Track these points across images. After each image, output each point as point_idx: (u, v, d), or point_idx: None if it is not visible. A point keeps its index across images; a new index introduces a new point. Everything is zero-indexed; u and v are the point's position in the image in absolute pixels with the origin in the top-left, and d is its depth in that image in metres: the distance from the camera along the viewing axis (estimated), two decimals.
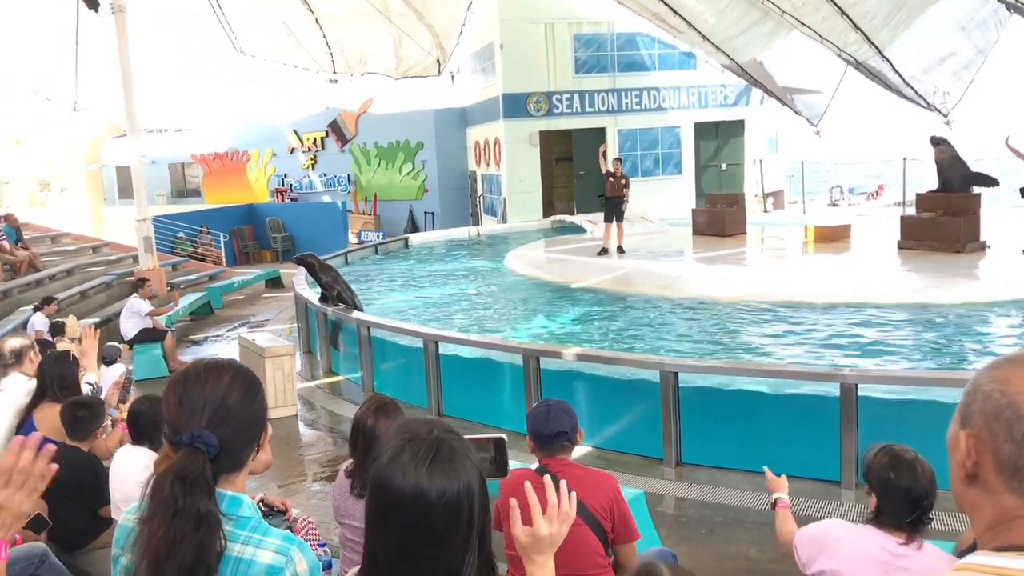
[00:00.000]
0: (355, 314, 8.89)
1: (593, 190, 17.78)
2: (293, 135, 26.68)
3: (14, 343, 5.36)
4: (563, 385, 6.66)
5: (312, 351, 10.37)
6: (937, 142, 13.54)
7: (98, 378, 5.47)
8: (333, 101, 24.35)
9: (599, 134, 20.83)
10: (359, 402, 6.52)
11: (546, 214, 21.21)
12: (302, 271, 10.59)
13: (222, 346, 11.70)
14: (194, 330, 13.08)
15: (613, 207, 14.79)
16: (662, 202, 20.50)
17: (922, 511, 2.53)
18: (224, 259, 20.96)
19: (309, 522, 3.59)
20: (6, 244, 14.18)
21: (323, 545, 3.54)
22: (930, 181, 14.47)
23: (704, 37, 16.11)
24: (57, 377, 4.66)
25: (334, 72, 18.82)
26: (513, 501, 1.52)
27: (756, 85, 19.00)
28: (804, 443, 5.59)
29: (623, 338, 9.19)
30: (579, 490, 1.64)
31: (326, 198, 25.85)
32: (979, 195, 13.30)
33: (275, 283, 17.26)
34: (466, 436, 1.47)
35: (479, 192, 23.76)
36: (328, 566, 3.34)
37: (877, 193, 26.57)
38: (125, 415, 4.30)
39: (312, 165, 26.60)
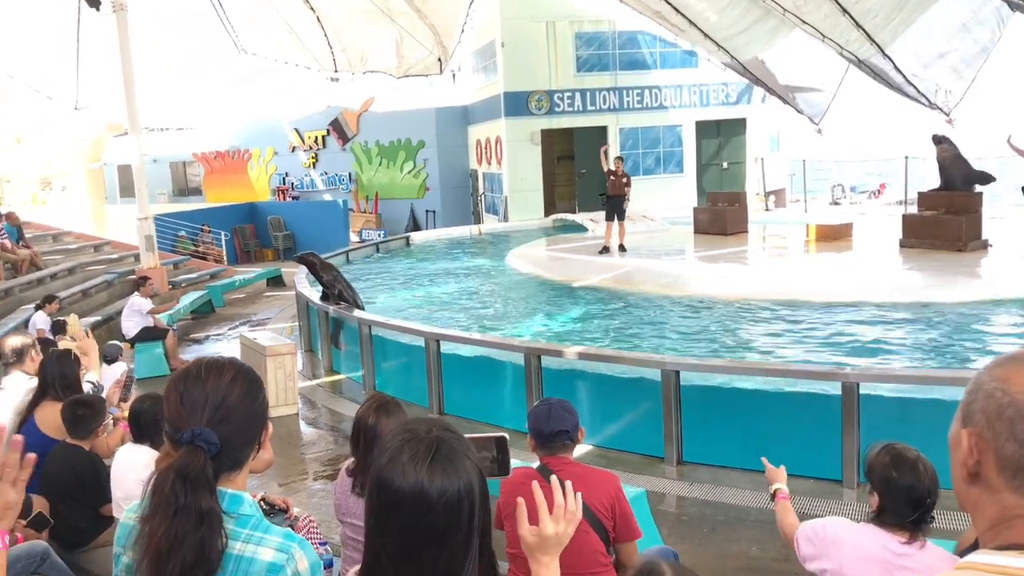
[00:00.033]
0: (356, 313, 8.89)
1: (594, 188, 17.77)
2: (294, 133, 26.69)
3: (15, 342, 5.37)
4: (564, 384, 6.66)
5: (313, 350, 10.38)
6: (939, 140, 13.53)
7: (99, 377, 5.48)
8: (334, 99, 24.37)
9: (600, 132, 20.84)
10: (360, 401, 6.53)
11: (547, 213, 21.21)
12: (303, 270, 10.59)
13: (223, 345, 11.71)
14: (195, 329, 13.09)
15: (614, 205, 14.80)
16: (663, 200, 20.50)
17: (924, 510, 2.53)
18: (225, 258, 20.98)
19: (310, 521, 3.60)
20: (7, 242, 14.19)
21: (324, 544, 3.54)
22: (932, 179, 14.46)
23: (706, 35, 16.11)
24: (58, 376, 4.66)
25: (335, 71, 18.84)
26: (520, 500, 1.52)
27: (758, 83, 18.99)
28: (805, 442, 5.58)
29: (624, 337, 9.19)
30: (580, 489, 1.63)
31: (327, 196, 25.85)
32: (981, 194, 13.28)
33: (276, 282, 17.27)
34: (468, 435, 1.47)
35: (480, 191, 23.76)
36: (329, 564, 3.34)
37: (879, 192, 26.53)
38: (126, 414, 4.30)
39: (313, 163, 26.60)
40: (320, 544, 3.42)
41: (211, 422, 1.60)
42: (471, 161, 24.62)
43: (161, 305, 11.44)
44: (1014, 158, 13.08)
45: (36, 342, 5.70)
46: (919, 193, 14.36)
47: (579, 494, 1.57)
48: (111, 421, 4.80)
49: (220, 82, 21.37)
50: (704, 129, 22.02)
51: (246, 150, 27.53)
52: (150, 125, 24.37)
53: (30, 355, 5.26)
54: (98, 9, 14.14)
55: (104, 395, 5.04)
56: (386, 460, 1.37)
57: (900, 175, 20.94)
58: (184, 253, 20.06)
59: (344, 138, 26.06)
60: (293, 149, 26.87)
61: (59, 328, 8.64)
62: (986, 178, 13.41)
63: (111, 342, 8.21)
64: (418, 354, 7.62)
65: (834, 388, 5.52)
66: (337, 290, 9.45)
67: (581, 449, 5.80)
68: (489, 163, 22.60)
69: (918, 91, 15.16)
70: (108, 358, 7.39)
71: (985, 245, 12.96)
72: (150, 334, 10.29)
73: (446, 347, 7.52)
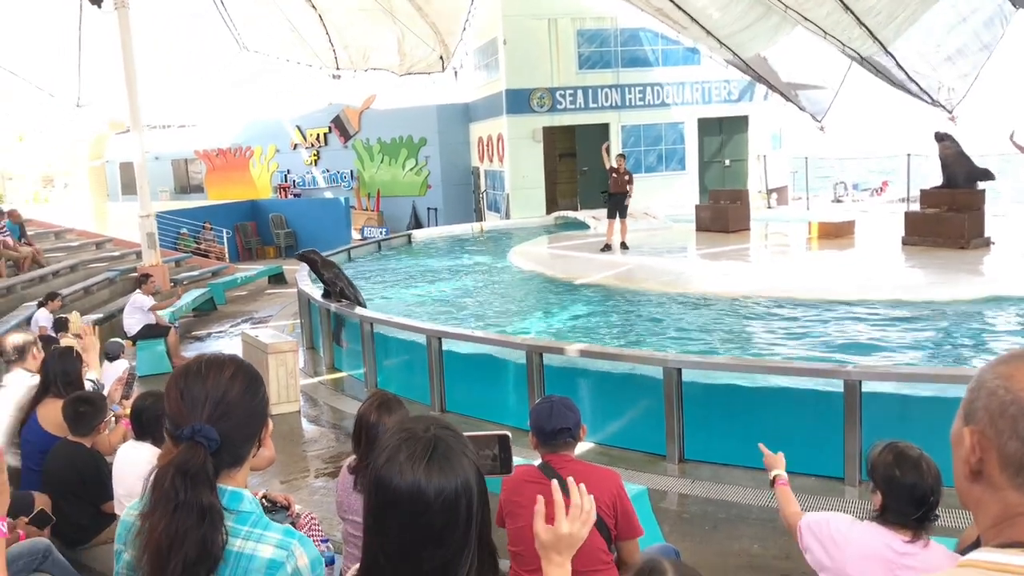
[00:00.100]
0: (358, 310, 8.89)
1: (596, 186, 17.76)
2: (296, 131, 26.69)
3: (17, 339, 5.37)
4: (566, 381, 6.66)
5: (315, 347, 10.38)
6: (941, 138, 13.51)
7: (99, 374, 5.48)
8: (336, 97, 24.35)
9: (602, 130, 20.82)
10: (362, 398, 6.54)
11: (549, 210, 21.19)
12: (305, 267, 10.60)
13: (225, 342, 11.71)
14: (197, 326, 13.09)
15: (616, 203, 14.79)
16: (665, 198, 20.47)
17: (928, 508, 2.52)
18: (227, 255, 20.98)
19: (312, 518, 3.60)
20: (9, 240, 14.19)
21: (326, 541, 3.54)
22: (934, 177, 14.43)
23: (708, 32, 16.07)
24: (60, 373, 4.67)
25: (337, 68, 18.80)
26: (540, 497, 1.53)
27: (760, 81, 18.94)
28: (807, 439, 5.58)
29: (626, 334, 9.19)
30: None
31: (329, 194, 25.85)
32: (983, 191, 13.27)
33: (278, 279, 17.27)
34: (470, 433, 1.47)
35: (482, 188, 23.75)
36: (331, 562, 3.34)
37: (881, 189, 26.51)
38: (128, 411, 4.31)
39: (315, 161, 26.61)
40: (322, 541, 3.42)
41: (211, 418, 1.60)
42: (473, 158, 24.61)
43: (163, 302, 11.45)
44: (1017, 155, 13.07)
45: (38, 339, 5.71)
46: (921, 191, 14.35)
47: (592, 497, 1.58)
48: (112, 418, 4.80)
49: (221, 83, 21.34)
50: (706, 126, 21.99)
51: (248, 147, 27.53)
52: (152, 122, 24.38)
53: (32, 352, 5.26)
54: (100, 6, 14.13)
55: (105, 392, 5.05)
56: (384, 459, 1.36)
57: (902, 172, 20.89)
58: (186, 250, 20.07)
59: (346, 135, 26.06)
60: (295, 147, 26.88)
61: (61, 325, 8.65)
62: (989, 175, 13.40)
63: (113, 339, 8.21)
64: (420, 352, 7.61)
65: (836, 386, 5.51)
66: (339, 287, 9.45)
67: (583, 447, 5.80)
68: (491, 160, 22.59)
69: (920, 88, 15.12)
70: (110, 355, 7.39)
71: (988, 243, 12.95)
72: (152, 331, 10.30)
73: (448, 345, 7.53)
